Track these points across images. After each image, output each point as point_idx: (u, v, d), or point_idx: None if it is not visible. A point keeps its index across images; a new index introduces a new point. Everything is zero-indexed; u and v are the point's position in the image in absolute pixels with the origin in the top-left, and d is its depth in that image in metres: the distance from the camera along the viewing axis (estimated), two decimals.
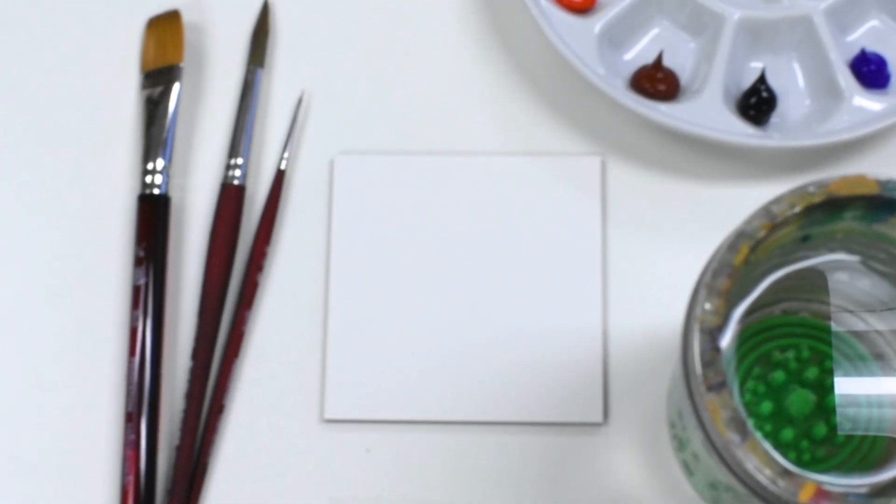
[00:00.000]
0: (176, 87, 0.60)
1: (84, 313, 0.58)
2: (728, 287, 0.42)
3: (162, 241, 0.58)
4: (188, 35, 0.61)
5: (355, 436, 0.56)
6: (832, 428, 0.48)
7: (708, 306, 0.42)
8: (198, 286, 0.58)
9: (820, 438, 0.48)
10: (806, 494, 0.40)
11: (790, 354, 0.49)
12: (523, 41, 0.61)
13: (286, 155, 0.59)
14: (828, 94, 0.59)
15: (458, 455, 0.56)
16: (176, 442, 0.56)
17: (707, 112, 0.57)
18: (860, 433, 0.48)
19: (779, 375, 0.48)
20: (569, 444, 0.56)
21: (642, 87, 0.59)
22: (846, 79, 0.58)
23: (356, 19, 0.62)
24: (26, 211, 0.60)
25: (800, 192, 0.43)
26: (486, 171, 0.59)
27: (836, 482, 0.47)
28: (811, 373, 0.48)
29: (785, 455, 0.47)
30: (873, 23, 0.60)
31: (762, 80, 0.58)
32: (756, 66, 0.59)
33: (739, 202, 0.47)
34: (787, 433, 0.48)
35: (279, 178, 0.59)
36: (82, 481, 0.56)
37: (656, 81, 0.59)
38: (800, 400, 0.48)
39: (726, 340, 0.46)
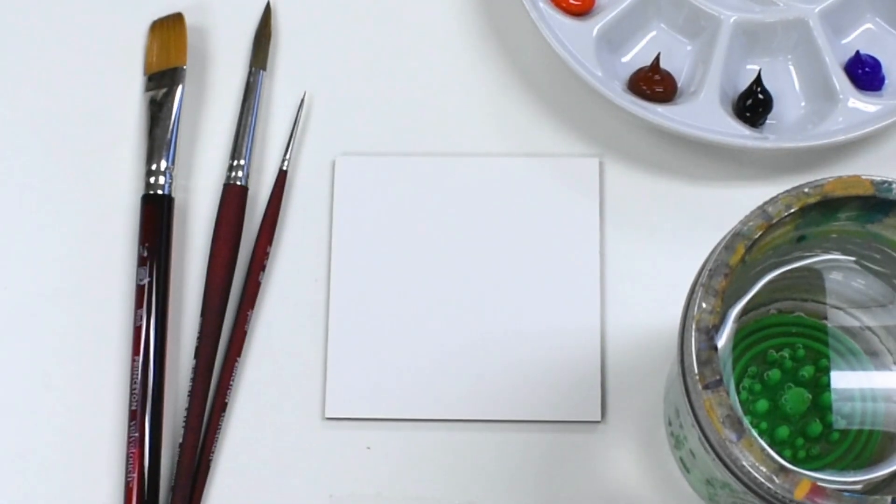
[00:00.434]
0: (179, 89, 0.60)
1: (88, 312, 0.58)
2: (725, 287, 0.42)
3: (165, 241, 0.58)
4: (191, 38, 0.61)
5: (356, 434, 0.56)
6: (827, 426, 0.48)
7: (705, 306, 0.42)
8: (201, 285, 0.58)
9: (815, 436, 0.48)
10: (801, 491, 0.40)
11: (785, 353, 0.49)
12: (522, 44, 0.62)
13: (288, 156, 0.60)
14: (823, 96, 0.59)
15: (457, 453, 0.56)
16: (179, 440, 0.56)
17: (704, 114, 0.58)
18: (855, 428, 0.48)
19: (774, 374, 0.49)
20: (567, 441, 0.56)
21: (640, 89, 0.59)
22: (841, 81, 0.58)
23: (357, 22, 0.62)
24: (31, 211, 0.60)
25: (795, 192, 0.43)
26: (486, 172, 0.59)
27: (831, 479, 0.47)
28: (806, 371, 0.48)
29: (780, 452, 0.47)
30: (868, 26, 0.60)
31: (758, 82, 0.59)
32: (752, 69, 0.60)
33: (736, 203, 0.47)
34: (783, 431, 0.48)
35: (281, 178, 0.59)
36: (86, 478, 0.56)
37: (654, 83, 0.59)
38: (795, 398, 0.48)
39: (723, 339, 0.46)
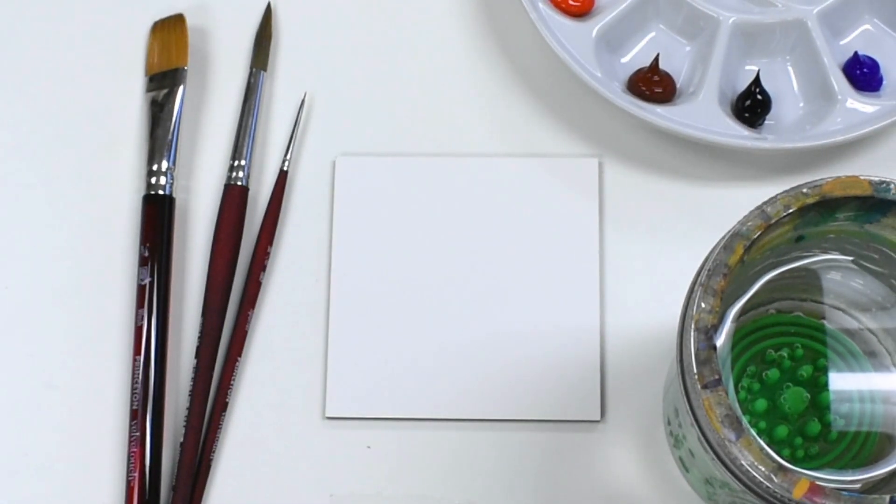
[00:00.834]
0: (180, 89, 0.60)
1: (90, 312, 0.58)
2: (723, 286, 0.42)
3: (166, 241, 0.58)
4: (192, 38, 0.61)
5: (356, 433, 0.56)
6: (826, 425, 0.48)
7: (704, 305, 0.42)
8: (202, 285, 0.58)
9: (813, 435, 0.48)
10: (800, 491, 0.40)
11: (784, 353, 0.49)
12: (522, 45, 0.62)
13: (288, 156, 0.60)
14: (821, 96, 0.59)
15: (457, 452, 0.56)
16: (180, 439, 0.56)
17: (703, 114, 0.58)
18: (853, 429, 0.48)
19: (773, 373, 0.49)
20: (566, 441, 0.56)
21: (639, 89, 0.59)
22: (839, 82, 0.58)
23: (357, 23, 0.62)
24: (33, 211, 0.60)
25: (794, 193, 0.43)
26: (486, 172, 0.60)
27: (829, 479, 0.47)
28: (805, 371, 0.49)
29: (779, 452, 0.48)
30: (866, 27, 0.61)
31: (757, 82, 0.59)
32: (751, 69, 0.60)
33: (734, 203, 0.47)
34: (782, 430, 0.48)
35: (282, 179, 0.59)
36: (88, 477, 0.56)
37: (653, 84, 0.59)
38: (794, 397, 0.48)
39: (721, 339, 0.46)
